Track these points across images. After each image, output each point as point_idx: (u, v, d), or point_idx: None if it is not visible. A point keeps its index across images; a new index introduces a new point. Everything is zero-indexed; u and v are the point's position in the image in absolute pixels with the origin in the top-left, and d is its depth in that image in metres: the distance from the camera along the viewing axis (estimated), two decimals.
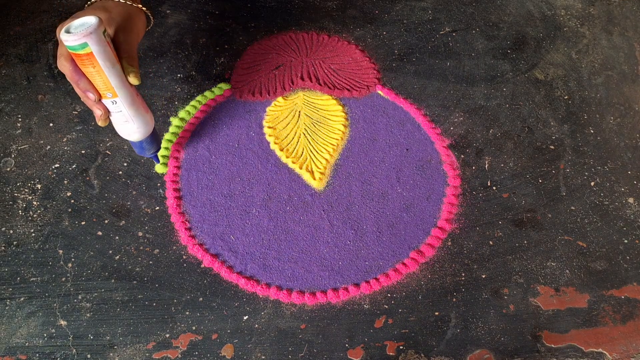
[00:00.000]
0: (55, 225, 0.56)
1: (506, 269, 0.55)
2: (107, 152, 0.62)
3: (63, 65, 0.46)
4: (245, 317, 0.52)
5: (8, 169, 0.60)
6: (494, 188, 0.61)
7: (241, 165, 0.62)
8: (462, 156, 0.63)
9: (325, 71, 0.71)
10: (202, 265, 0.55)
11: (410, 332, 0.51)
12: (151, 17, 0.55)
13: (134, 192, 0.59)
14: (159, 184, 0.60)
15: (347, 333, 0.51)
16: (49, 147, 0.62)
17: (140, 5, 0.53)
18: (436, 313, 0.52)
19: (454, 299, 0.53)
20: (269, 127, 0.65)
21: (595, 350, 0.51)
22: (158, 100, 0.67)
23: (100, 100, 0.48)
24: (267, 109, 0.67)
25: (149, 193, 0.59)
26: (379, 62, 0.72)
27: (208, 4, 0.78)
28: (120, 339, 0.50)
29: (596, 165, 0.63)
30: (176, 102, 0.67)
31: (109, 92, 0.47)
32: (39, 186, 0.59)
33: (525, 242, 0.57)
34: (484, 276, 0.55)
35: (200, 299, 0.52)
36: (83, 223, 0.57)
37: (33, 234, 0.56)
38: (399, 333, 0.51)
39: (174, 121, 0.65)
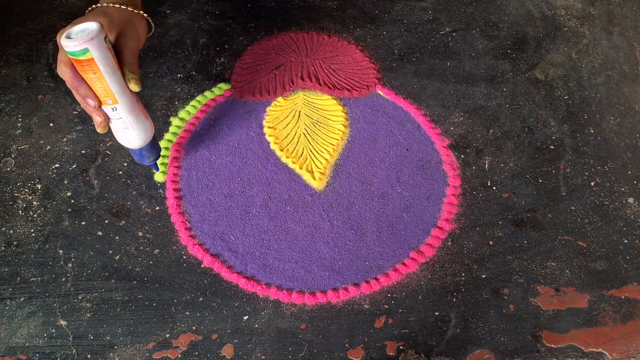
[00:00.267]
0: (55, 225, 0.56)
1: (506, 269, 0.55)
2: (107, 152, 0.62)
3: (63, 71, 0.45)
4: (245, 317, 0.52)
5: (8, 169, 0.60)
6: (494, 188, 0.61)
7: (241, 165, 0.62)
8: (462, 156, 0.63)
9: (325, 71, 0.71)
10: (202, 266, 0.55)
11: (410, 332, 0.51)
12: (152, 24, 0.54)
13: (134, 192, 0.59)
14: (159, 184, 0.60)
15: (347, 333, 0.51)
16: (49, 147, 0.62)
17: (141, 12, 0.53)
18: (436, 313, 0.52)
19: (454, 299, 0.53)
20: (269, 127, 0.65)
21: (596, 350, 0.51)
22: (158, 100, 0.67)
23: (100, 106, 0.47)
24: (267, 109, 0.67)
25: (149, 193, 0.59)
26: (379, 62, 0.72)
27: (208, 4, 0.78)
28: (121, 339, 0.50)
29: (596, 165, 0.63)
30: (176, 102, 0.67)
31: (109, 99, 0.47)
32: (39, 186, 0.59)
33: (526, 242, 0.57)
34: (484, 276, 0.55)
35: (201, 299, 0.52)
36: (83, 223, 0.57)
37: (33, 234, 0.56)
38: (399, 333, 0.51)
39: (174, 121, 0.65)
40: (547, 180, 0.62)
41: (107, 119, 0.49)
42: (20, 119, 0.64)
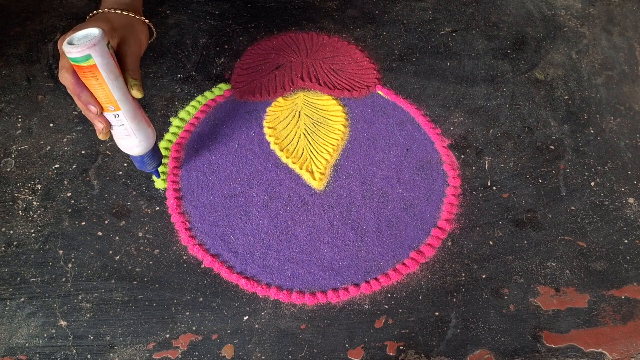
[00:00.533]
0: (55, 226, 0.56)
1: (506, 269, 0.55)
2: (107, 152, 0.62)
3: (64, 78, 0.45)
4: (245, 318, 0.52)
5: (8, 169, 0.60)
6: (494, 188, 0.61)
7: (241, 165, 0.62)
8: (462, 156, 0.63)
9: (326, 71, 0.71)
10: (203, 266, 0.55)
11: (410, 332, 0.51)
12: (153, 30, 0.54)
13: (134, 193, 0.59)
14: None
15: (347, 333, 0.51)
16: (49, 147, 0.62)
17: (143, 18, 0.52)
18: (436, 313, 0.52)
19: (454, 299, 0.53)
20: (269, 128, 0.65)
21: (596, 350, 0.51)
22: (158, 100, 0.67)
23: (102, 113, 0.47)
24: (267, 109, 0.67)
25: (149, 193, 0.59)
26: (379, 62, 0.72)
27: (208, 4, 0.78)
28: (121, 339, 0.50)
29: (596, 165, 0.63)
30: (176, 103, 0.67)
31: (111, 105, 0.46)
32: (39, 186, 0.59)
33: (526, 242, 0.57)
34: (484, 276, 0.55)
35: (201, 299, 0.52)
36: (83, 223, 0.57)
37: (33, 235, 0.56)
38: (399, 333, 0.51)
39: (174, 121, 0.65)
40: (547, 180, 0.62)
41: (109, 125, 0.48)
42: (20, 120, 0.64)
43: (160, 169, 0.59)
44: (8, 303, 0.52)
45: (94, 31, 0.43)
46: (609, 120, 0.68)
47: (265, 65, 0.71)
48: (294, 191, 0.60)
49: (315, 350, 0.50)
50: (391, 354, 0.50)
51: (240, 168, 0.61)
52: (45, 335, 0.50)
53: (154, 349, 0.49)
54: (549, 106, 0.69)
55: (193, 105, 0.66)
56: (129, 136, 0.50)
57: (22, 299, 0.52)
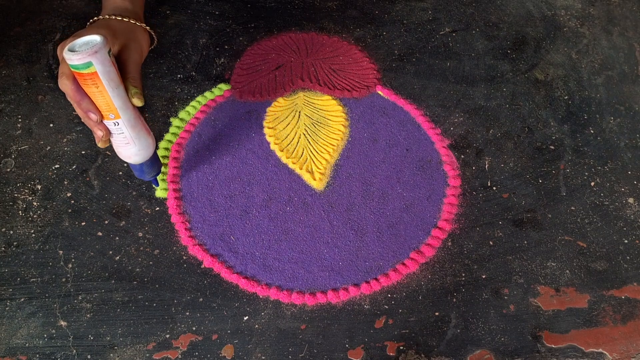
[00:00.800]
0: (55, 226, 0.56)
1: (506, 269, 0.55)
2: (107, 152, 0.62)
3: (64, 85, 0.44)
4: (245, 318, 0.52)
5: (8, 170, 0.60)
6: (494, 188, 0.61)
7: (241, 165, 0.62)
8: (462, 156, 0.63)
9: (326, 71, 0.71)
10: (203, 266, 0.55)
11: (410, 333, 0.51)
12: (154, 37, 0.54)
13: (134, 193, 0.59)
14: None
15: (347, 333, 0.51)
16: (49, 147, 0.62)
17: (143, 25, 0.52)
18: (436, 313, 0.52)
19: (454, 299, 0.53)
20: (269, 128, 0.65)
21: (596, 350, 0.51)
22: (158, 100, 0.67)
23: (102, 121, 0.46)
24: (267, 109, 0.67)
25: (149, 194, 0.59)
26: (379, 63, 0.72)
27: (208, 5, 0.78)
28: (121, 339, 0.50)
29: (596, 165, 0.63)
30: (176, 103, 0.67)
31: (112, 113, 0.46)
32: (39, 187, 0.59)
33: (525, 242, 0.57)
34: (484, 276, 0.55)
35: (201, 299, 0.52)
36: (83, 224, 0.57)
37: (33, 235, 0.56)
38: (399, 333, 0.51)
39: (174, 122, 0.65)
40: (547, 180, 0.62)
41: (108, 133, 0.48)
42: (20, 120, 0.64)
43: (160, 177, 0.59)
44: (8, 303, 0.52)
45: (95, 38, 0.42)
46: (609, 120, 0.68)
47: (265, 66, 0.71)
48: (294, 191, 0.60)
49: (315, 351, 0.50)
50: (391, 354, 0.50)
51: (240, 168, 0.61)
52: (45, 335, 0.50)
53: (154, 349, 0.49)
54: (549, 106, 0.69)
55: (193, 106, 0.66)
56: (129, 144, 0.49)
57: (22, 299, 0.52)
